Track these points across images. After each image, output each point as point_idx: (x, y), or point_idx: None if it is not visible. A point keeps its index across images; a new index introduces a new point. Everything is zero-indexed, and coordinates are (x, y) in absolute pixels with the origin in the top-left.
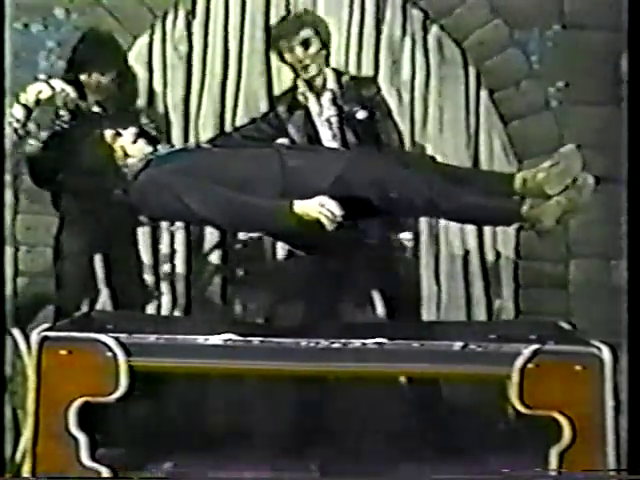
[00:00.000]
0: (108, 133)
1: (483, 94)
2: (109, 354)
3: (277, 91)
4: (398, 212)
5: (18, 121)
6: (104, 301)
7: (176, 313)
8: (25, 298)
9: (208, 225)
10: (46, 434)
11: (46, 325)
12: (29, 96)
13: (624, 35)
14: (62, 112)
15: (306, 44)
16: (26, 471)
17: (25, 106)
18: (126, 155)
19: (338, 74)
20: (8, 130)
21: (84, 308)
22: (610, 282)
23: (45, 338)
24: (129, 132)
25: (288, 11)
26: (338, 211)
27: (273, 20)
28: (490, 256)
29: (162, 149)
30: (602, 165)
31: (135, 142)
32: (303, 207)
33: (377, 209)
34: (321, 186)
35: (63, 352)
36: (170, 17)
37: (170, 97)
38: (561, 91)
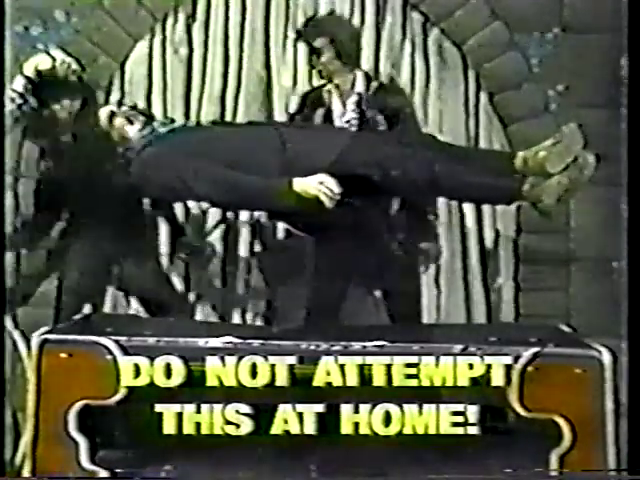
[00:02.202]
0: (103, 114)
1: (483, 97)
2: (109, 357)
3: (277, 93)
4: (399, 191)
5: (21, 96)
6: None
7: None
8: (25, 299)
9: (207, 204)
10: (46, 437)
11: (46, 328)
12: (28, 67)
13: (624, 38)
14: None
15: (318, 53)
16: (26, 473)
17: (27, 78)
18: (124, 138)
19: (368, 78)
20: (8, 129)
21: (85, 310)
22: (610, 284)
23: (45, 341)
24: (123, 112)
25: (287, 15)
26: (337, 189)
27: (273, 22)
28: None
29: (162, 128)
30: (602, 167)
31: (132, 123)
32: (302, 184)
33: (378, 188)
34: (322, 164)
35: (63, 355)
36: (170, 20)
37: (170, 100)
38: (561, 94)
